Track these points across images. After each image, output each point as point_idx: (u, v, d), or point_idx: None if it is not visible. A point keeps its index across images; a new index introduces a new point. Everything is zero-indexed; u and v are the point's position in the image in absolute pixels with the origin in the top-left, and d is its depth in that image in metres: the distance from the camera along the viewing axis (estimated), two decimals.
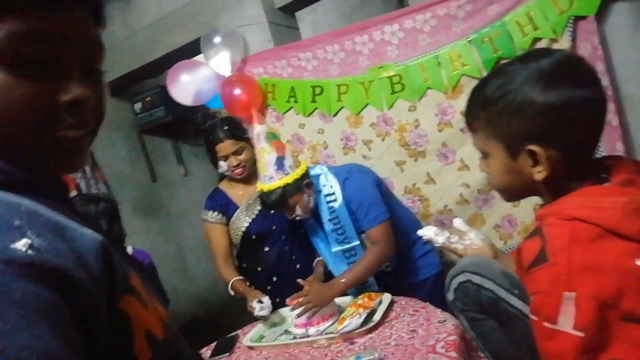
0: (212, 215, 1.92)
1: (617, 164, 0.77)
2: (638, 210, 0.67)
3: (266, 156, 1.64)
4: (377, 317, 1.38)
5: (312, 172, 1.72)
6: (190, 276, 3.46)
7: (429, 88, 2.00)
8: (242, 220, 1.90)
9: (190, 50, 2.48)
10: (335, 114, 2.19)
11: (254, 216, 1.89)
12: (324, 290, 1.54)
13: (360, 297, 1.51)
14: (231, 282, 1.78)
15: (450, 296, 1.05)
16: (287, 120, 2.30)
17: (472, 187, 2.06)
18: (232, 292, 1.79)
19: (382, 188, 1.76)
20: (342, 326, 1.35)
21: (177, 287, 3.18)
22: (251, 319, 1.69)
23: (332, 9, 3.55)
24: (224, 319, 3.06)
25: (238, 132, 1.90)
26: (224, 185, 1.99)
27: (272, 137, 1.69)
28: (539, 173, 0.76)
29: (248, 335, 1.54)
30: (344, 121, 2.19)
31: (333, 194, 1.69)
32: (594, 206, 0.69)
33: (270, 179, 1.63)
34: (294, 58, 2.20)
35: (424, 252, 1.81)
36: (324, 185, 1.71)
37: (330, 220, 1.70)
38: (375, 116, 2.13)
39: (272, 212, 1.88)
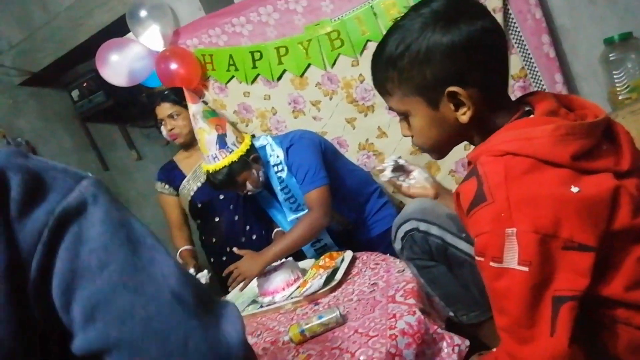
0: (161, 187, 1.97)
1: (538, 97, 0.78)
2: (566, 135, 0.68)
3: (206, 136, 1.60)
4: (338, 275, 1.40)
5: (257, 144, 1.70)
6: None
7: (368, 40, 1.96)
8: (189, 189, 1.90)
9: (118, 29, 2.33)
10: (279, 78, 2.13)
11: (199, 184, 1.90)
12: (253, 260, 1.51)
13: (322, 258, 1.53)
14: (179, 251, 1.85)
15: (397, 245, 1.06)
16: (231, 90, 2.22)
17: None
18: (180, 261, 1.80)
19: (328, 151, 1.75)
20: (304, 289, 1.36)
21: None
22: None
23: None
24: None
25: (177, 97, 1.90)
26: (177, 156, 2.03)
27: (210, 114, 1.64)
28: (464, 115, 0.76)
29: None
30: (289, 84, 2.14)
31: (280, 163, 1.67)
32: (523, 137, 0.69)
33: (215, 159, 1.59)
34: (227, 25, 2.11)
35: (380, 205, 1.83)
36: (271, 156, 1.69)
37: (281, 190, 1.69)
38: (320, 75, 2.08)
39: None
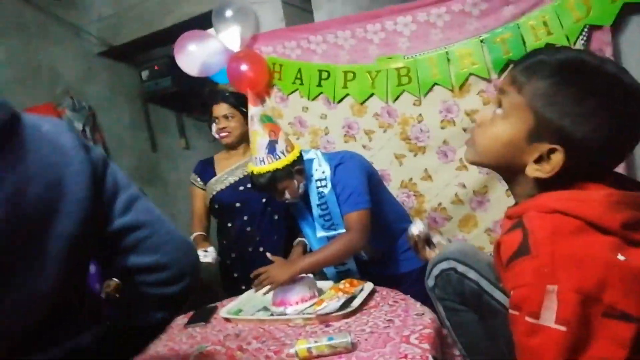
0: (194, 178, 2.04)
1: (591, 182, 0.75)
2: (619, 203, 0.66)
3: (259, 139, 1.64)
4: (355, 303, 1.38)
5: (306, 157, 1.72)
6: None
7: (435, 84, 1.97)
8: (213, 189, 1.96)
9: (202, 22, 2.45)
10: (340, 101, 2.17)
11: (223, 187, 1.95)
12: (283, 268, 1.54)
13: (342, 282, 1.51)
14: (193, 235, 1.92)
15: (430, 282, 1.02)
16: (291, 102, 2.28)
17: (469, 187, 2.05)
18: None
19: (373, 178, 1.75)
20: (319, 307, 1.34)
21: None
22: (237, 293, 1.72)
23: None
24: (207, 294, 3.05)
25: (236, 100, 1.97)
26: (218, 155, 2.11)
27: (266, 119, 1.68)
28: (536, 171, 0.72)
29: (226, 308, 1.54)
30: (348, 109, 2.17)
31: (324, 179, 1.68)
32: (575, 199, 0.68)
33: (261, 162, 1.63)
34: (304, 40, 2.18)
35: (404, 249, 1.81)
36: (316, 170, 1.70)
37: (318, 205, 1.70)
38: (380, 107, 2.11)
39: (242, 189, 1.94)
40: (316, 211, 1.71)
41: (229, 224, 1.98)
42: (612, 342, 0.61)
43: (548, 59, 0.71)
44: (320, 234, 1.73)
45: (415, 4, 1.97)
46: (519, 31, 1.78)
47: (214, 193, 1.96)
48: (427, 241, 1.26)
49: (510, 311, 0.68)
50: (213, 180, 1.98)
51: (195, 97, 3.42)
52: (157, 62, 3.11)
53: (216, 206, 1.97)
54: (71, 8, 2.91)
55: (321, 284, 1.63)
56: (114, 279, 2.02)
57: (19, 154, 0.60)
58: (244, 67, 2.15)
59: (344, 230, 1.65)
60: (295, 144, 1.73)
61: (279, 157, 1.63)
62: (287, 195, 1.67)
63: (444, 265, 0.98)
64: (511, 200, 0.83)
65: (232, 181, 1.96)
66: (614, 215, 0.65)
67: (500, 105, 0.76)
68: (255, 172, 1.65)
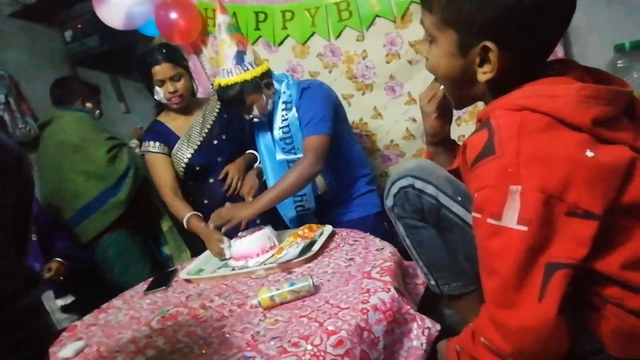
0: (154, 146, 1.82)
1: (565, 64, 0.74)
2: (590, 98, 0.64)
3: (226, 48, 1.57)
4: (316, 247, 1.37)
5: (276, 76, 1.68)
6: None
7: (377, 16, 1.90)
8: (184, 152, 1.82)
9: None
10: (281, 43, 2.07)
11: (196, 147, 1.82)
12: (245, 206, 1.55)
13: (301, 228, 1.49)
14: (186, 218, 1.68)
15: (389, 202, 1.00)
16: None
17: (419, 121, 2.03)
18: (187, 228, 1.70)
19: (339, 112, 1.72)
20: (279, 256, 1.33)
21: None
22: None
23: None
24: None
25: (177, 56, 1.80)
26: (163, 117, 1.90)
27: (235, 29, 1.60)
28: (484, 74, 0.71)
29: (186, 269, 1.50)
30: (290, 51, 2.08)
31: (290, 102, 1.65)
32: (545, 94, 0.66)
33: (229, 73, 1.57)
34: None
35: (366, 190, 1.81)
36: (284, 93, 1.66)
37: (281, 128, 1.66)
38: (322, 46, 2.03)
39: (216, 142, 1.82)
40: (278, 133, 1.67)
41: (211, 180, 1.85)
42: (573, 240, 0.61)
43: None
44: (280, 156, 1.70)
45: None
46: None
47: (189, 156, 1.81)
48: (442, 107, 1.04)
49: (473, 214, 0.68)
50: (179, 145, 1.81)
51: (129, 56, 3.19)
52: (80, 20, 2.85)
53: (197, 168, 1.82)
54: None
55: (281, 232, 1.61)
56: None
57: None
58: (173, 15, 2.00)
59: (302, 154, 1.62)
60: (263, 60, 1.66)
61: (247, 69, 1.58)
62: (255, 111, 1.63)
63: (402, 182, 0.96)
64: (462, 129, 0.82)
65: (202, 138, 1.82)
66: (585, 110, 0.63)
67: (427, 35, 0.78)
68: (222, 85, 1.59)
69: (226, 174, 1.81)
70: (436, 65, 0.78)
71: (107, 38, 2.80)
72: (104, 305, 1.44)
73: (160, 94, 1.77)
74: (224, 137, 1.85)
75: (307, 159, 1.55)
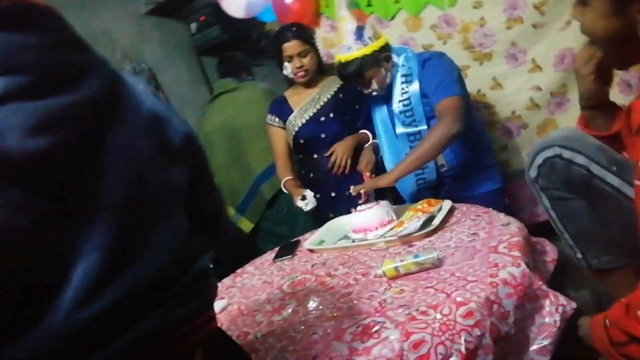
0: (271, 119, 2.03)
1: None
2: None
3: (345, 25, 1.63)
4: (436, 221, 1.36)
5: (395, 49, 1.70)
6: None
7: None
8: (295, 124, 1.96)
9: None
10: (392, 18, 2.05)
11: (304, 121, 1.94)
12: (385, 175, 1.59)
13: (419, 202, 1.49)
14: (283, 181, 1.93)
15: (532, 173, 0.97)
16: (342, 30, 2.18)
17: (545, 90, 1.90)
18: (285, 190, 1.93)
19: (464, 81, 1.70)
20: (400, 229, 1.35)
21: None
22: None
23: None
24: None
25: (305, 34, 1.91)
26: (288, 91, 2.06)
27: (354, 5, 1.68)
28: None
29: (309, 240, 1.60)
30: (402, 25, 2.04)
31: (410, 75, 1.66)
32: None
33: (349, 49, 1.62)
34: None
35: (488, 165, 1.76)
36: (403, 66, 1.68)
37: (401, 101, 1.67)
38: (436, 17, 1.96)
39: (323, 119, 1.90)
40: (397, 107, 1.69)
41: (315, 156, 1.98)
42: None
43: None
44: (400, 130, 1.71)
45: None
46: None
47: (297, 129, 1.95)
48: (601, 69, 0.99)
49: (636, 182, 0.64)
50: (292, 117, 1.96)
51: (245, 42, 3.39)
52: (203, 13, 3.08)
53: (301, 141, 1.96)
54: None
55: (398, 207, 1.63)
56: None
57: (126, 116, 0.59)
58: (288, 0, 2.07)
59: (425, 127, 1.63)
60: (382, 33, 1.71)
61: (367, 43, 1.62)
62: (374, 85, 1.66)
63: (548, 152, 0.92)
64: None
65: (312, 113, 1.94)
66: None
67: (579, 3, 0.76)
68: (342, 61, 1.65)
69: (332, 153, 1.88)
70: (593, 28, 0.75)
71: (227, 27, 3.00)
72: (239, 270, 1.60)
73: (288, 69, 1.90)
74: (331, 115, 1.93)
75: (446, 120, 1.49)
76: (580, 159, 0.87)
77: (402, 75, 1.66)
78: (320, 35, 2.26)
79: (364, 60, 1.59)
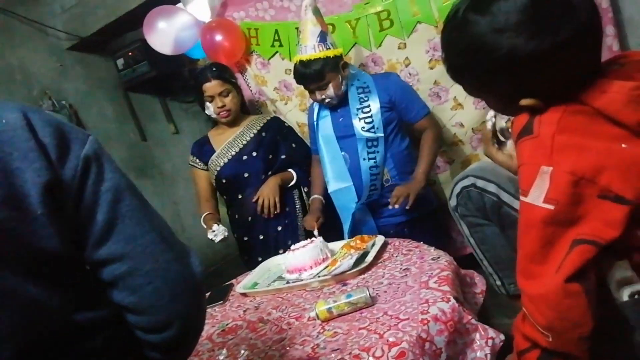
0: (192, 160, 2.01)
1: (629, 59, 0.73)
2: None
3: (311, 27, 1.69)
4: (369, 258, 1.36)
5: (349, 65, 1.80)
6: (188, 236, 3.45)
7: (418, 22, 1.89)
8: (216, 165, 1.94)
9: None
10: None
11: (226, 160, 1.93)
12: (412, 184, 1.65)
13: (353, 239, 1.49)
14: (202, 216, 1.91)
15: (452, 202, 1.03)
16: (273, 67, 2.20)
17: (467, 126, 2.00)
18: (203, 225, 1.90)
19: None
20: (333, 268, 1.33)
21: None
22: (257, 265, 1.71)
23: None
24: (223, 275, 3.09)
25: (226, 74, 1.91)
26: (211, 132, 2.05)
27: (318, 13, 1.72)
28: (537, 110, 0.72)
29: (241, 283, 1.53)
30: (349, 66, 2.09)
31: (367, 87, 1.75)
32: (598, 89, 0.66)
33: (313, 49, 1.67)
34: None
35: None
36: (357, 80, 1.77)
37: (359, 108, 1.74)
38: (364, 56, 2.04)
39: (245, 158, 1.90)
40: (356, 114, 1.75)
41: (239, 196, 1.95)
42: (602, 221, 0.63)
43: (447, 56, 0.77)
44: (360, 135, 1.75)
45: None
46: None
47: (218, 169, 1.93)
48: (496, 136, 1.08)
49: (521, 198, 0.70)
50: (214, 156, 1.94)
51: (176, 79, 3.33)
52: (131, 48, 3.00)
53: (223, 181, 1.94)
54: (32, 4, 2.78)
55: (333, 244, 1.62)
56: None
57: None
58: (218, 37, 2.07)
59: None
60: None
61: (329, 48, 1.69)
62: (330, 90, 1.70)
63: (465, 182, 0.99)
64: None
65: (234, 153, 1.92)
66: (632, 112, 0.63)
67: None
68: (305, 60, 1.67)
69: (259, 197, 1.88)
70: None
71: (156, 63, 2.93)
72: None
73: (210, 109, 1.90)
74: (254, 154, 1.93)
75: (433, 129, 1.77)
76: (491, 187, 0.95)
77: (359, 87, 1.76)
78: (252, 72, 2.27)
79: (326, 61, 1.65)
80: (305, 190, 1.98)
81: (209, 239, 1.81)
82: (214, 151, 1.95)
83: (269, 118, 2.03)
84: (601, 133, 0.64)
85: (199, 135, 2.17)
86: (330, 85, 1.69)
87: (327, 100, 1.74)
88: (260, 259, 1.78)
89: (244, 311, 1.34)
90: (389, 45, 1.97)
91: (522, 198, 0.67)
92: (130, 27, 2.84)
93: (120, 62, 3.04)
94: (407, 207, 1.63)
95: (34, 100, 2.65)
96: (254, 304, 1.37)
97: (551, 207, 0.63)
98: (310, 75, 1.67)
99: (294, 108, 2.20)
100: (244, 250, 2.03)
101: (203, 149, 1.98)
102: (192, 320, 0.66)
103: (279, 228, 1.93)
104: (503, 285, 1.02)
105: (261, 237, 1.94)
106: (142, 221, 0.62)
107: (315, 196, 1.88)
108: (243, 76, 2.30)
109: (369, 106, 1.74)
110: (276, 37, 2.12)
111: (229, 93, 1.88)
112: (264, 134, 1.95)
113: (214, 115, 1.91)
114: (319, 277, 1.38)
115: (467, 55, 0.70)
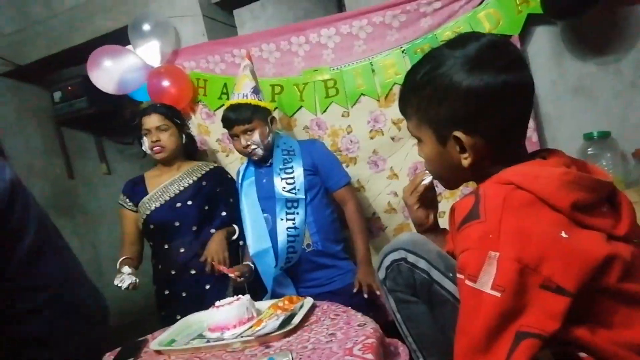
0: (122, 199, 1.90)
1: (553, 153, 0.80)
2: (572, 183, 0.68)
3: (247, 80, 1.79)
4: (296, 320, 1.32)
5: (276, 129, 1.86)
6: (106, 282, 3.20)
7: (362, 94, 2.00)
8: (146, 208, 1.83)
9: (118, 38, 2.32)
10: None
11: (158, 204, 1.82)
12: (370, 272, 1.68)
13: (281, 299, 1.45)
14: (119, 261, 1.79)
15: (381, 274, 0.99)
16: (218, 118, 2.17)
17: (400, 195, 2.08)
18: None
19: None
20: (258, 328, 1.27)
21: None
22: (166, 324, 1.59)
23: (273, 16, 3.52)
24: (140, 328, 2.87)
25: (169, 111, 1.87)
26: (148, 172, 1.95)
27: (254, 75, 1.81)
28: (465, 159, 0.77)
29: (157, 339, 1.42)
30: (277, 122, 2.13)
31: (292, 151, 1.80)
32: (531, 174, 0.70)
33: (244, 96, 1.74)
34: (228, 54, 2.13)
35: (344, 257, 1.85)
36: (284, 143, 1.82)
37: (282, 169, 1.76)
38: (309, 119, 2.10)
39: (179, 205, 1.83)
40: (278, 173, 1.77)
41: (166, 246, 1.84)
42: (545, 313, 0.62)
43: (403, 85, 0.84)
44: (280, 195, 1.76)
45: (338, 16, 2.01)
46: (437, 41, 1.86)
47: (148, 212, 1.82)
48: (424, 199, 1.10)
49: (457, 275, 0.69)
50: (146, 198, 1.84)
51: (115, 119, 3.23)
52: (71, 83, 2.90)
53: (151, 227, 1.83)
54: None
55: (260, 304, 1.56)
56: None
57: None
58: (165, 83, 2.06)
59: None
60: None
61: (261, 99, 1.77)
62: (255, 135, 1.72)
63: (395, 255, 0.96)
64: (444, 205, 0.88)
65: (168, 198, 1.83)
66: (565, 194, 0.67)
67: (415, 138, 0.87)
68: (235, 103, 1.73)
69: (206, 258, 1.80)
70: (427, 159, 0.85)
71: (96, 101, 2.85)
72: None
73: (145, 143, 1.83)
74: (189, 202, 1.85)
75: (353, 203, 1.82)
76: (422, 264, 0.93)
77: (284, 150, 1.80)
78: (196, 121, 2.26)
79: (255, 108, 1.71)
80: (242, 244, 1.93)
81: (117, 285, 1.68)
82: (147, 193, 1.85)
83: (212, 167, 1.97)
84: (542, 218, 0.66)
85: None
86: (256, 131, 1.72)
87: (252, 147, 1.74)
88: (178, 317, 1.67)
89: None
90: (334, 112, 2.05)
91: (469, 283, 0.66)
92: (72, 61, 2.77)
93: (57, 94, 2.92)
94: (366, 296, 1.67)
95: None
96: None
97: (498, 294, 0.62)
98: (237, 117, 1.71)
99: (235, 160, 2.20)
100: (163, 305, 1.89)
101: (135, 189, 1.88)
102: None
103: (207, 286, 1.83)
104: None
105: (184, 294, 1.82)
106: (61, 248, 0.69)
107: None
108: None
109: (292, 167, 1.77)
110: (224, 90, 2.14)
111: (167, 129, 1.82)
112: (204, 182, 1.89)
113: (148, 151, 1.84)
114: (242, 337, 1.32)
115: (422, 80, 0.78)
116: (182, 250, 1.82)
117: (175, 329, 1.51)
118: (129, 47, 2.18)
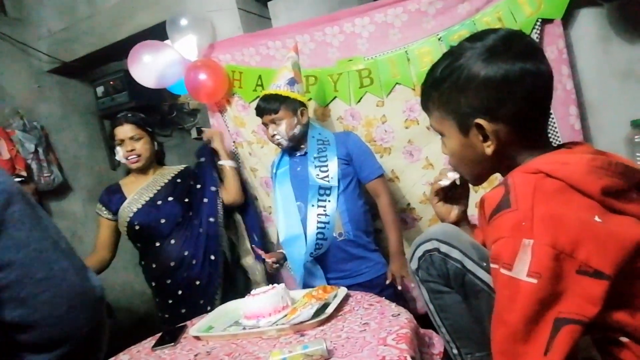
0: (99, 208, 1.94)
1: (578, 144, 0.81)
2: (601, 169, 0.68)
3: (285, 72, 1.79)
4: (330, 309, 1.34)
5: (312, 120, 1.87)
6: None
7: (397, 84, 1.98)
8: (128, 211, 1.87)
9: (156, 34, 2.38)
10: None
11: (139, 206, 1.87)
12: (402, 262, 1.71)
13: (315, 289, 1.47)
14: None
15: (413, 265, 0.99)
16: (253, 110, 2.21)
17: None
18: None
19: None
20: (293, 317, 1.29)
21: (130, 281, 3.06)
22: (178, 318, 1.68)
23: (308, 7, 3.51)
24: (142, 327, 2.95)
25: (140, 121, 1.92)
26: (123, 180, 2.01)
27: (297, 67, 1.82)
28: (488, 147, 0.78)
29: (196, 326, 1.47)
30: (312, 113, 2.14)
31: (327, 141, 1.81)
32: (559, 161, 0.70)
33: (277, 87, 1.76)
34: (263, 46, 2.15)
35: (374, 248, 1.86)
36: (319, 134, 1.83)
37: (316, 157, 1.78)
38: (343, 110, 2.09)
39: (160, 203, 1.89)
40: (312, 162, 1.79)
41: (157, 244, 1.89)
42: (583, 298, 0.61)
43: (424, 82, 0.88)
44: (313, 182, 1.78)
45: (372, 4, 1.98)
46: (475, 27, 1.81)
47: (131, 215, 1.87)
48: (446, 196, 1.12)
49: (491, 265, 0.69)
50: (125, 204, 1.88)
51: (154, 112, 3.33)
52: (112, 77, 3.00)
53: (137, 227, 1.87)
54: (18, 25, 2.78)
55: (294, 293, 1.58)
56: None
57: None
58: (202, 77, 2.10)
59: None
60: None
61: (294, 91, 1.77)
62: (281, 127, 1.75)
63: (427, 246, 0.96)
64: (479, 195, 0.89)
65: (148, 198, 1.89)
66: (595, 180, 0.67)
67: (439, 133, 0.88)
68: (267, 94, 1.77)
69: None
70: (451, 154, 0.86)
71: (136, 95, 2.94)
72: (111, 359, 1.40)
73: (119, 153, 1.88)
74: (169, 198, 1.91)
75: (386, 197, 1.82)
76: (455, 254, 0.92)
77: (319, 140, 1.81)
78: (232, 113, 2.29)
79: (286, 100, 1.73)
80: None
81: None
82: (125, 199, 1.90)
83: (182, 167, 2.06)
84: (574, 203, 0.66)
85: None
86: (283, 122, 1.75)
87: (277, 138, 1.78)
88: (183, 311, 1.73)
89: (195, 355, 1.28)
90: (368, 101, 2.04)
91: (504, 272, 0.65)
92: (114, 57, 2.87)
93: (100, 89, 3.03)
94: (399, 288, 1.72)
95: (4, 118, 2.59)
96: (206, 349, 1.31)
97: (534, 281, 0.62)
98: (264, 107, 1.75)
99: (269, 152, 2.22)
100: (166, 295, 1.93)
101: (112, 198, 1.92)
102: (89, 339, 0.60)
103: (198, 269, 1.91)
104: (460, 354, 0.99)
105: (179, 293, 1.89)
106: (35, 228, 0.59)
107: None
108: (222, 116, 2.32)
109: (326, 156, 1.79)
110: (259, 82, 2.17)
111: (140, 138, 1.87)
112: (178, 180, 1.97)
113: (123, 161, 1.89)
114: (277, 325, 1.34)
115: (442, 74, 0.81)
116: (172, 242, 1.88)
117: (213, 315, 1.56)
118: (167, 41, 2.23)
